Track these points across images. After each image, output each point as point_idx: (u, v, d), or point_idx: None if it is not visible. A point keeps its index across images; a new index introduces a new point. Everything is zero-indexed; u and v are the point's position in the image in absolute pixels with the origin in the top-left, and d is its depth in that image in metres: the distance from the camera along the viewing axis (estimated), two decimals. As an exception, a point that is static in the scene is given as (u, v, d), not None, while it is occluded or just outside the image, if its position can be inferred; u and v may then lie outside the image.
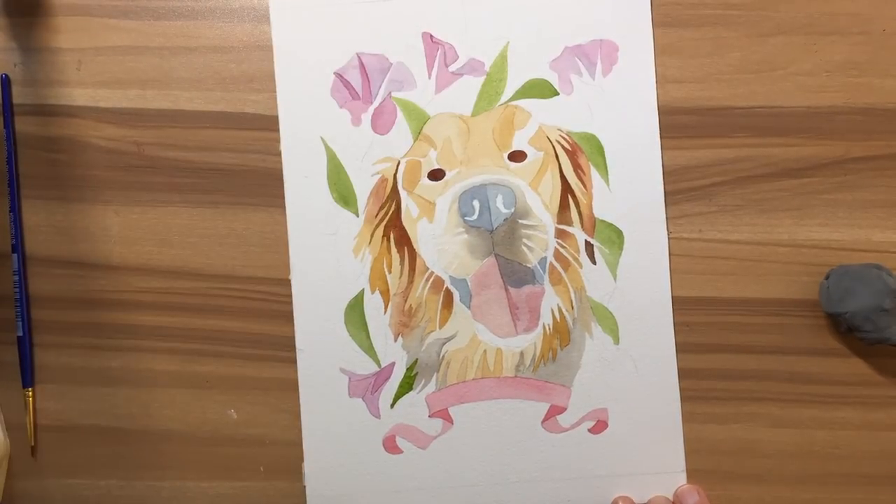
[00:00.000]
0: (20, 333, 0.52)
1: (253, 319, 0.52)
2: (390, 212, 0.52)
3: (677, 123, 0.52)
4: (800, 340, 0.52)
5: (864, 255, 0.51)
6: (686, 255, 0.52)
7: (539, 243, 0.52)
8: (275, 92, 0.52)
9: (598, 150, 0.52)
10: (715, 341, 0.52)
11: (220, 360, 0.52)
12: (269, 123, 0.52)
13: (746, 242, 0.52)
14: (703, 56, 0.52)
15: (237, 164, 0.52)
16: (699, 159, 0.52)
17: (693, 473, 0.51)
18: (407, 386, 0.52)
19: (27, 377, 0.52)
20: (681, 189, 0.52)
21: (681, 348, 0.51)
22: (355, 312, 0.52)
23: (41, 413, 0.52)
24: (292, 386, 0.52)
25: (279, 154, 0.52)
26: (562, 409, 0.51)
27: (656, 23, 0.52)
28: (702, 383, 0.52)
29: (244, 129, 0.52)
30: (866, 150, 0.52)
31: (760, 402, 0.52)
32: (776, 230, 0.52)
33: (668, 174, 0.52)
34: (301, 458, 0.51)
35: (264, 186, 0.52)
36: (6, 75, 0.52)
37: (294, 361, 0.52)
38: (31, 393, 0.52)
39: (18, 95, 0.52)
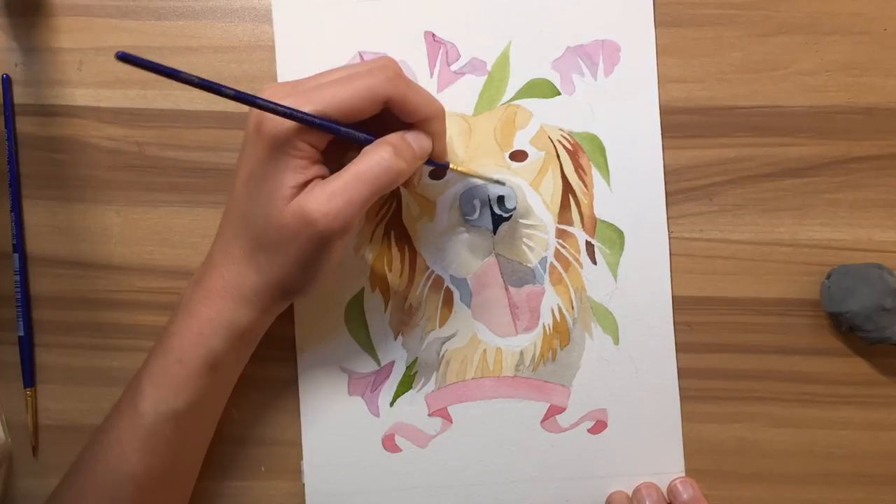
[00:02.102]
0: (21, 333, 0.52)
1: (253, 319, 0.52)
2: (391, 210, 0.52)
3: (678, 123, 0.52)
4: (801, 340, 0.52)
5: (866, 255, 0.51)
6: (687, 254, 0.52)
7: (539, 243, 0.51)
8: (276, 92, 0.52)
9: (599, 149, 0.52)
10: (716, 341, 0.52)
11: (221, 359, 0.52)
12: (270, 123, 0.52)
13: (747, 242, 0.52)
14: (705, 56, 0.52)
15: (238, 164, 0.52)
16: (700, 159, 0.52)
17: (693, 473, 0.51)
18: (406, 385, 0.52)
19: (28, 377, 0.52)
20: (682, 189, 0.52)
21: (681, 348, 0.51)
22: (355, 311, 0.52)
23: (42, 413, 0.52)
24: (293, 386, 0.52)
25: (280, 154, 0.52)
26: (561, 409, 0.51)
27: (658, 22, 0.52)
28: (702, 383, 0.52)
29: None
30: (868, 149, 0.52)
31: (761, 402, 0.51)
32: (777, 230, 0.52)
33: (669, 174, 0.52)
34: (302, 458, 0.52)
35: (265, 186, 0.52)
36: (7, 75, 0.52)
37: (294, 361, 0.52)
38: (32, 393, 0.52)
39: (19, 95, 0.52)
